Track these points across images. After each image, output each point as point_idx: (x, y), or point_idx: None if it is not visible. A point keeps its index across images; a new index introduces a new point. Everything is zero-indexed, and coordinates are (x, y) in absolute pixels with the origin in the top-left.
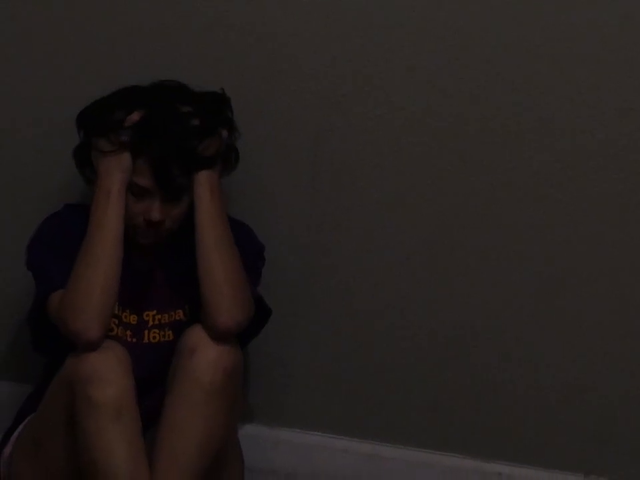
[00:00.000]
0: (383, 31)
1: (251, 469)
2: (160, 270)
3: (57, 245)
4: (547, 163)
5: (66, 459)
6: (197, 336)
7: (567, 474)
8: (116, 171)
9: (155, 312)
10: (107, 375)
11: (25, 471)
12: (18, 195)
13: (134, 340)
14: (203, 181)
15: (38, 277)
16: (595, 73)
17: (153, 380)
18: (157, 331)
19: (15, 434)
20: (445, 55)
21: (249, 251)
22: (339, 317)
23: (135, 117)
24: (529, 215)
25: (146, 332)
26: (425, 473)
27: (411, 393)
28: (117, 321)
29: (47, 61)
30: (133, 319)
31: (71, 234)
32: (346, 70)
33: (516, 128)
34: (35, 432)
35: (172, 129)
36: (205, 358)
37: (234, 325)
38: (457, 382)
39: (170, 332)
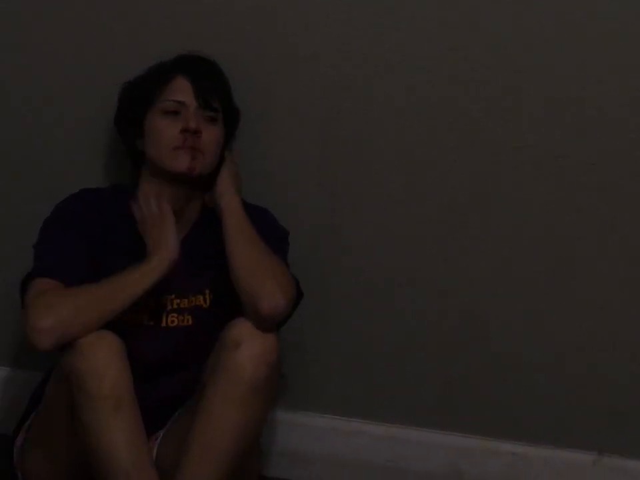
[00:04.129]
0: (392, 17)
1: (266, 451)
2: (181, 255)
3: (61, 231)
4: (551, 146)
5: (72, 449)
6: (241, 329)
7: (580, 452)
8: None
9: (173, 296)
10: (102, 368)
11: (35, 461)
12: (18, 194)
13: (151, 323)
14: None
15: (34, 257)
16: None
17: (171, 364)
18: (175, 315)
19: (26, 424)
20: (451, 39)
21: (275, 236)
22: (354, 302)
23: None
24: (541, 198)
25: (164, 316)
26: (438, 453)
27: (425, 375)
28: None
29: (47, 64)
30: (152, 302)
31: (79, 219)
32: (353, 56)
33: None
34: (41, 423)
35: (206, 59)
36: (250, 352)
37: (278, 308)
38: (470, 363)
39: (189, 317)
